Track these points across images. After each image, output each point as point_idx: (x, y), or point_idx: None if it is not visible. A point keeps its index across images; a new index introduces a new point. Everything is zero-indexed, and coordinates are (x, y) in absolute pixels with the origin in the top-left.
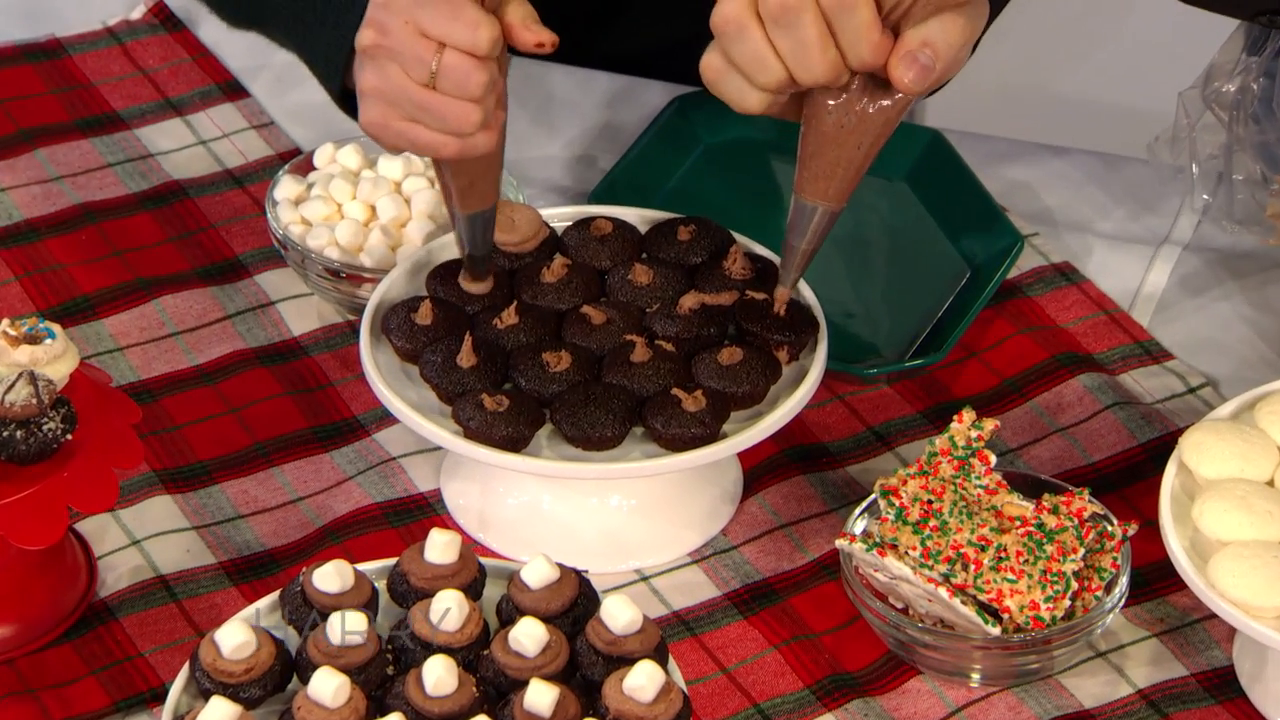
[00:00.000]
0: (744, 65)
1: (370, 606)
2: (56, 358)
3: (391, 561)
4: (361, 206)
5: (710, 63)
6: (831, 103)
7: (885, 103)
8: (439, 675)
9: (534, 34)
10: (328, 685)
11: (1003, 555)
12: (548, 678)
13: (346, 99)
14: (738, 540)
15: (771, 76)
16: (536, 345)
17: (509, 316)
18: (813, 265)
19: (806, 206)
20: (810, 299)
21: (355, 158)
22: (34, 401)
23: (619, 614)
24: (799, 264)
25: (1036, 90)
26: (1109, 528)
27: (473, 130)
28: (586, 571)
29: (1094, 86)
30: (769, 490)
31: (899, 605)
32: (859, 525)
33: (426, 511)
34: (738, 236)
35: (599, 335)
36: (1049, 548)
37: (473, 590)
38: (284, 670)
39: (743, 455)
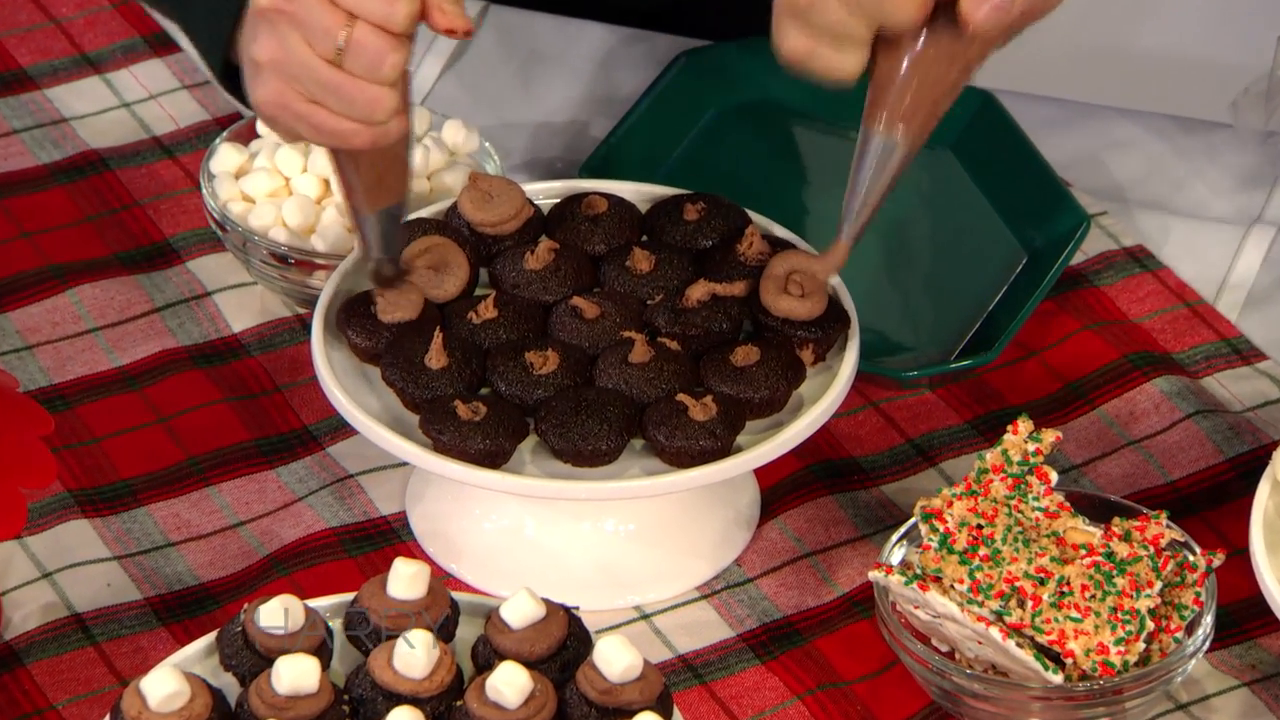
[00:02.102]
0: (832, 33)
1: (323, 650)
2: None
3: (348, 596)
4: (313, 180)
5: (795, 45)
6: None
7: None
8: None
9: (447, 18)
10: None
11: (1065, 590)
12: None
13: (230, 78)
14: (754, 572)
15: (862, 35)
16: (518, 343)
17: (486, 310)
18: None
19: (884, 142)
20: (839, 289)
21: None
22: None
23: (615, 658)
24: (868, 212)
25: (1104, 44)
26: (1190, 557)
27: (385, 118)
28: (577, 608)
29: (1172, 39)
30: (790, 513)
31: (943, 648)
32: (896, 554)
33: (390, 538)
34: (754, 216)
35: (592, 332)
36: (1120, 581)
37: (444, 630)
38: None
39: (759, 472)
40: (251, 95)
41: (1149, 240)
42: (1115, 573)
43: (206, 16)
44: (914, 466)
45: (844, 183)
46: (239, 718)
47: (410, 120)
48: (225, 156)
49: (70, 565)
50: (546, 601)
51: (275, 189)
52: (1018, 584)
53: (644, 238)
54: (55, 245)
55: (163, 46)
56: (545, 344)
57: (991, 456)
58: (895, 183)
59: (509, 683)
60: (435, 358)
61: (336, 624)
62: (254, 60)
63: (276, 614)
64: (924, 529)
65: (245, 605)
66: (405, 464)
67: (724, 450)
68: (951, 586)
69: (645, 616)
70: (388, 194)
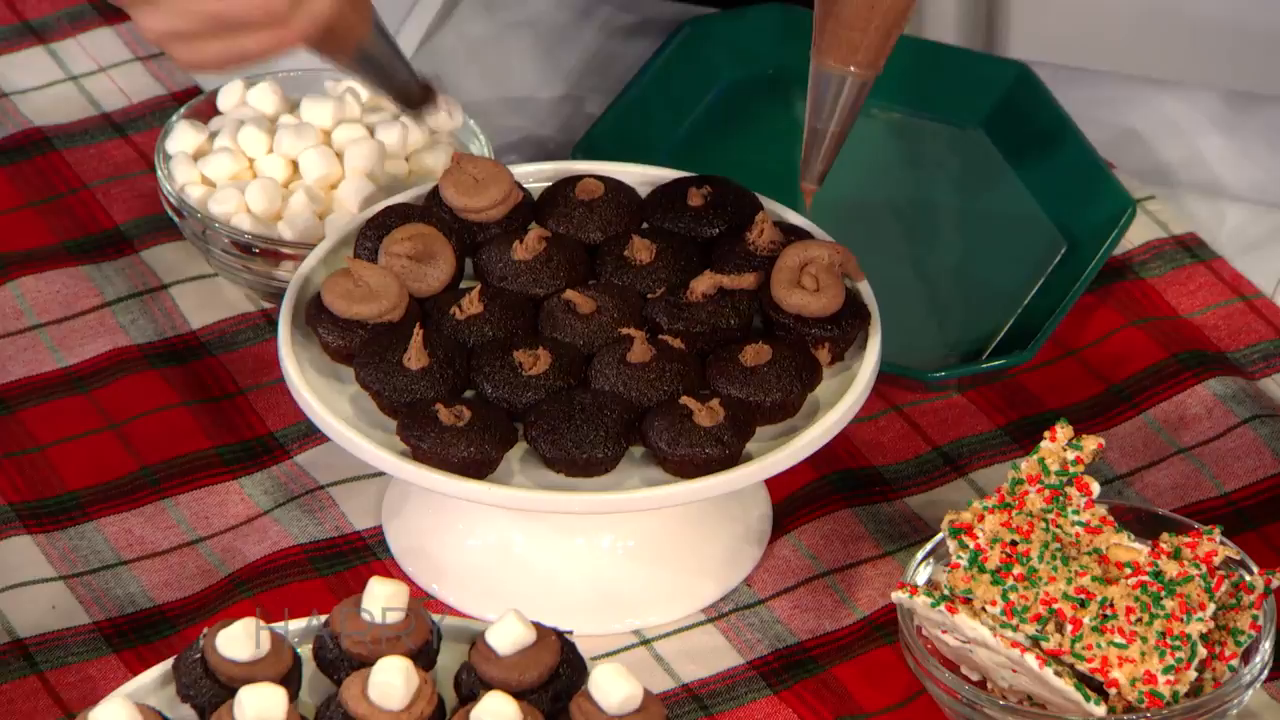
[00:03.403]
0: None
1: (291, 678)
2: None
3: (319, 620)
4: (280, 162)
5: None
6: None
7: None
8: None
9: None
10: None
11: (1109, 613)
12: None
13: None
14: (765, 593)
15: None
16: (506, 341)
17: (471, 304)
18: (863, 238)
19: (831, 75)
20: (859, 281)
21: (271, 99)
22: None
23: (613, 688)
24: (826, 152)
25: (1151, 11)
26: (1246, 577)
27: (288, 7)
28: (571, 632)
29: (1226, 6)
30: (805, 528)
31: (974, 677)
32: (922, 573)
33: (364, 555)
34: (765, 201)
35: (586, 328)
36: (1169, 603)
37: (424, 657)
38: None
39: (771, 483)
40: (178, 65)
41: (1201, 227)
42: (1164, 594)
43: None
44: (941, 477)
45: (866, 164)
46: None
47: None
48: (182, 135)
49: (11, 586)
50: (537, 625)
51: (238, 171)
52: (1056, 606)
53: (644, 225)
54: None
55: (113, 14)
56: (535, 342)
57: (1027, 466)
58: (857, 115)
59: (495, 714)
60: (415, 357)
61: (305, 650)
62: (150, 37)
63: (239, 639)
64: (952, 545)
65: (205, 630)
66: (381, 474)
67: (732, 459)
68: (983, 609)
69: (646, 642)
70: (349, 35)
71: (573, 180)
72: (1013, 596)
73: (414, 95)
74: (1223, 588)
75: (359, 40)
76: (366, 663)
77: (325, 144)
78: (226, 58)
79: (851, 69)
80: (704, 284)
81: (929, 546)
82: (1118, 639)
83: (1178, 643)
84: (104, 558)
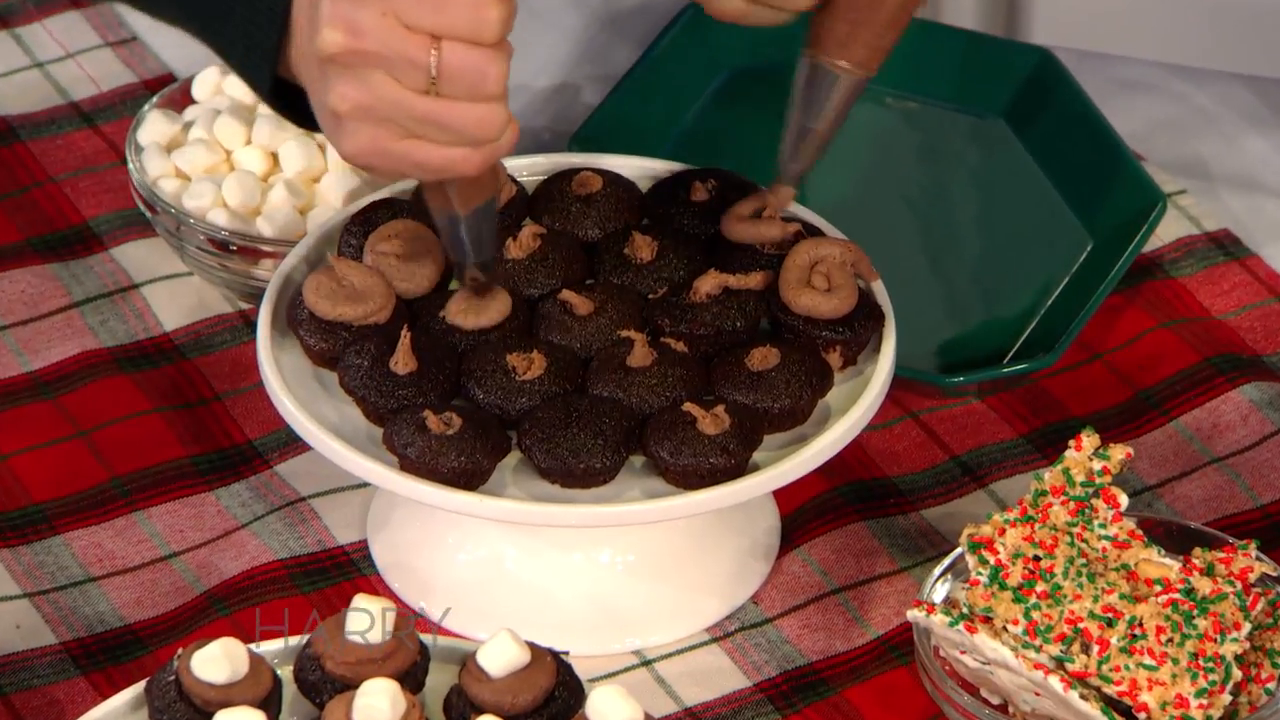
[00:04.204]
0: None
1: (271, 702)
2: None
3: (301, 640)
4: (259, 154)
5: (730, 4)
6: None
7: None
8: None
9: None
10: None
11: (1137, 633)
12: None
13: (281, 95)
14: (773, 611)
15: None
16: (499, 344)
17: None
18: (877, 235)
19: (825, 71)
20: (872, 280)
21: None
22: None
23: (612, 711)
24: (811, 152)
25: None
26: None
27: (498, 135)
28: (567, 653)
29: None
30: (815, 542)
31: (995, 700)
32: (939, 590)
33: (348, 571)
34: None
35: (584, 331)
36: (1201, 622)
37: (411, 679)
38: None
39: (780, 495)
40: (338, 148)
41: (1235, 223)
42: (1196, 613)
43: (245, 33)
44: (960, 488)
45: (879, 156)
46: None
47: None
48: (155, 125)
49: None
50: (531, 645)
51: (214, 164)
52: (1082, 625)
53: (645, 221)
54: None
55: None
56: (530, 345)
57: (1051, 476)
58: (846, 117)
59: None
60: (402, 361)
61: (286, 672)
62: (334, 112)
63: (216, 660)
64: (972, 561)
65: (179, 650)
66: (366, 485)
67: (738, 469)
68: (1004, 628)
69: (647, 663)
70: (482, 190)
71: (569, 174)
72: (1036, 615)
73: (482, 279)
74: (1259, 606)
75: (488, 197)
76: (351, 685)
77: (307, 135)
78: (401, 162)
79: (846, 64)
80: (708, 284)
81: (947, 562)
82: (1147, 660)
83: (1211, 664)
84: (71, 574)
